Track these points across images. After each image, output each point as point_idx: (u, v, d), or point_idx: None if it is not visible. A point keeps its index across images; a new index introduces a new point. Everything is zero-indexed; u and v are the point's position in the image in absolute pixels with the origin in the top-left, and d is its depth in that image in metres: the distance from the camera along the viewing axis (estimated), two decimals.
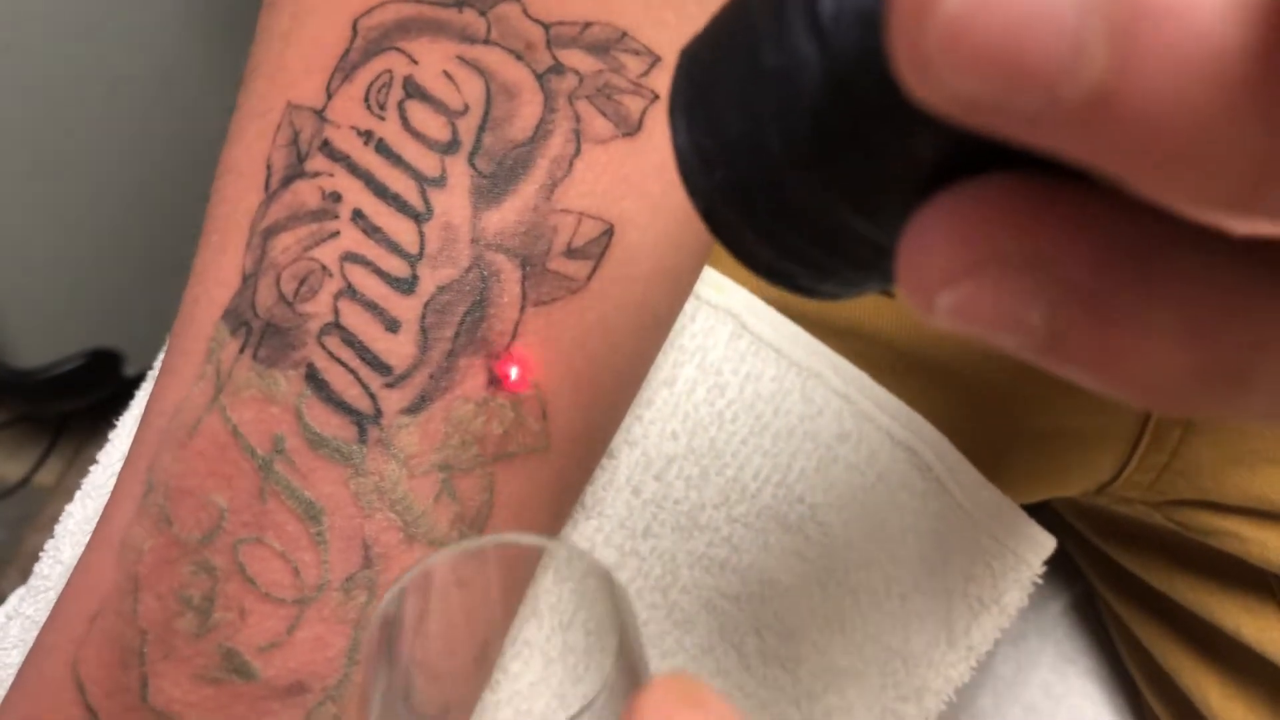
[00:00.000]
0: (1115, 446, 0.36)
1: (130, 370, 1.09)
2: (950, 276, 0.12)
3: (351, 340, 0.25)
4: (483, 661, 0.28)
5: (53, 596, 0.33)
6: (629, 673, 0.18)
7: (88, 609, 0.25)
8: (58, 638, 0.25)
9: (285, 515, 0.24)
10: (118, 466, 0.34)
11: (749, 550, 0.33)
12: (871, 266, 0.15)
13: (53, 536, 0.33)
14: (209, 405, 0.25)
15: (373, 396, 0.25)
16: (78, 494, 0.33)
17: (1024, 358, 0.13)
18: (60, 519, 0.33)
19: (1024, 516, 0.35)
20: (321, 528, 0.24)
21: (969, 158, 0.13)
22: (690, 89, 0.15)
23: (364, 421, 0.25)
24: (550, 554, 0.29)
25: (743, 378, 0.33)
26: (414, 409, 0.25)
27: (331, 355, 0.25)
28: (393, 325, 0.25)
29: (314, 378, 0.25)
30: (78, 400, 1.10)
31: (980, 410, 0.36)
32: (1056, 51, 0.09)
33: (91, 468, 0.34)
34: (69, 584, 0.26)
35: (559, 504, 0.28)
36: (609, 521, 0.32)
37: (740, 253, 0.16)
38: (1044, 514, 0.37)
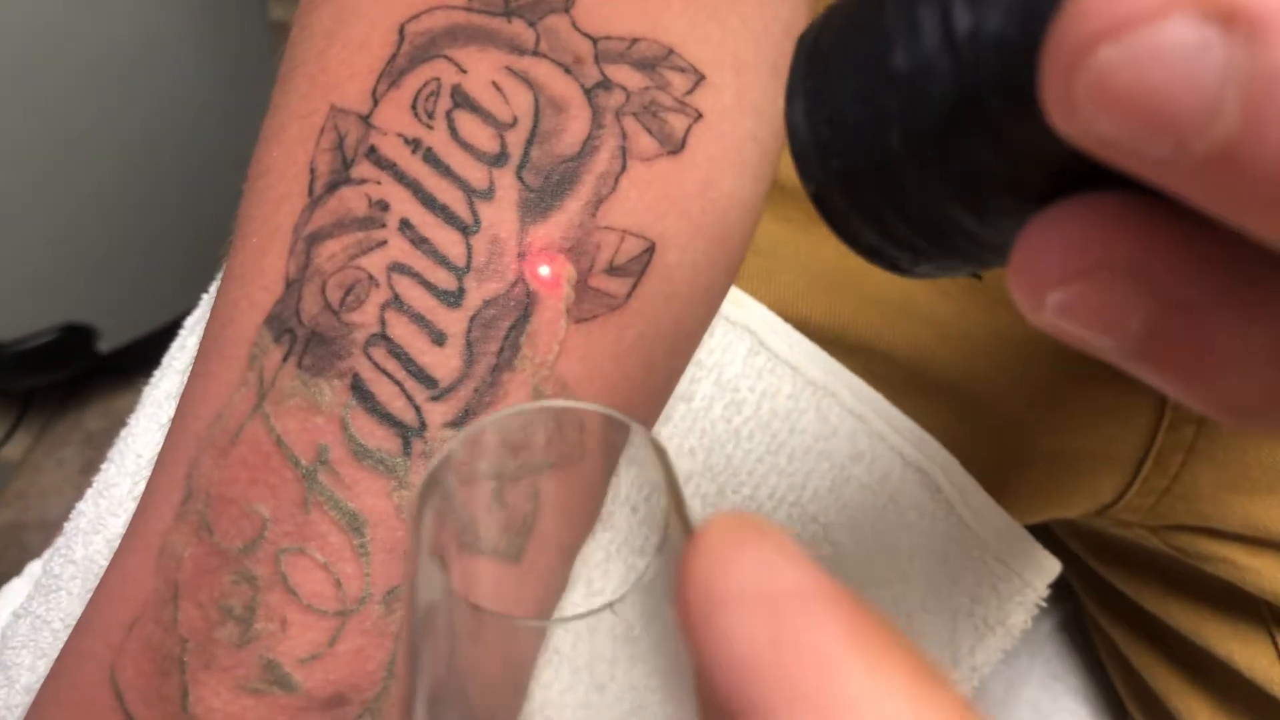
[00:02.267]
0: (1118, 470, 0.37)
1: (103, 346, 1.08)
2: (1063, 277, 0.13)
3: (398, 352, 0.25)
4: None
5: (64, 596, 0.32)
6: (684, 527, 0.18)
7: (125, 615, 0.24)
8: (94, 644, 0.25)
9: (328, 526, 0.24)
10: (132, 467, 0.33)
11: None
12: (969, 257, 0.16)
13: (62, 534, 0.32)
14: (251, 413, 0.25)
15: (417, 409, 0.25)
16: (89, 492, 0.33)
17: (1115, 362, 0.14)
18: (71, 517, 0.32)
19: (1030, 540, 0.35)
20: (364, 539, 0.24)
21: (1083, 176, 0.13)
22: (812, 77, 0.16)
23: (408, 434, 0.24)
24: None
25: (759, 395, 0.34)
26: (458, 423, 0.25)
27: (377, 366, 0.25)
28: (439, 338, 0.25)
29: (359, 388, 0.24)
30: (49, 375, 1.08)
31: (989, 431, 0.36)
32: (1195, 110, 0.11)
33: (104, 465, 0.33)
34: (103, 588, 0.25)
35: (592, 509, 0.28)
36: (621, 534, 0.32)
37: (844, 234, 0.17)
38: (1038, 534, 0.38)
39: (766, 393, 0.34)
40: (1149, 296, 0.13)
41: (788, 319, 0.35)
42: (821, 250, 0.37)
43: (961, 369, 0.36)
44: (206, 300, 0.39)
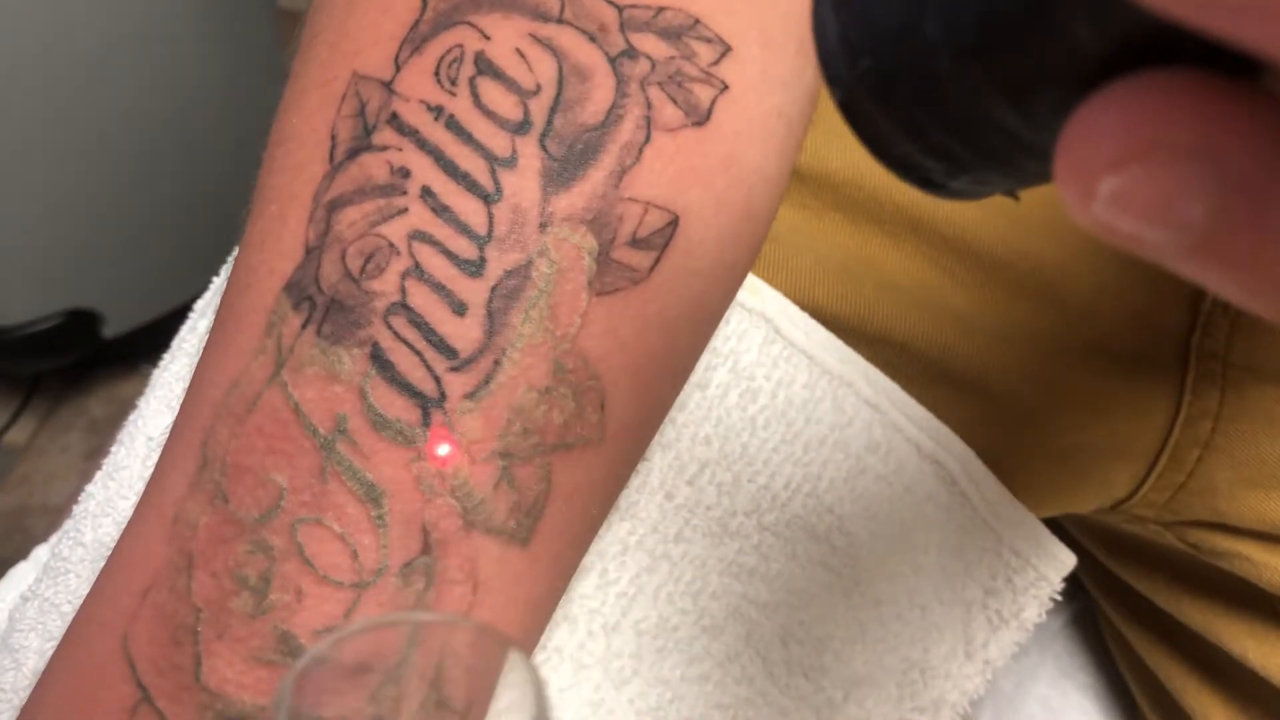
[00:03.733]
0: (1133, 464, 0.37)
1: (108, 331, 1.08)
2: (1117, 161, 0.12)
3: (418, 321, 0.24)
4: None
5: (72, 579, 0.32)
6: None
7: (138, 583, 0.24)
8: (106, 612, 0.24)
9: (346, 496, 0.24)
10: (142, 449, 0.33)
11: (777, 559, 0.33)
12: (1009, 163, 0.15)
13: (70, 517, 0.32)
14: (269, 380, 0.24)
15: (437, 379, 0.24)
16: (98, 475, 0.32)
17: (1169, 261, 0.13)
18: (80, 499, 0.32)
19: (1046, 532, 0.35)
20: (382, 510, 0.24)
21: (1136, 53, 0.12)
22: None
23: (428, 404, 0.24)
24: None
25: (775, 384, 0.33)
26: (478, 394, 0.24)
27: (397, 335, 0.24)
28: (460, 308, 0.25)
29: (379, 358, 0.24)
30: (53, 359, 1.08)
31: (1005, 423, 0.36)
32: None
33: (114, 448, 0.33)
34: (116, 556, 0.25)
35: (608, 497, 0.28)
36: (642, 525, 0.32)
37: (874, 145, 0.16)
38: (1049, 528, 0.38)
39: (782, 381, 0.33)
40: (1214, 179, 0.12)
41: (803, 307, 0.34)
42: (837, 238, 0.37)
43: (978, 360, 0.36)
44: (217, 284, 0.39)
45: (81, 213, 1.02)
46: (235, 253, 0.40)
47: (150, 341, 1.13)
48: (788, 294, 0.35)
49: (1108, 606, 0.45)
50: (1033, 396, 0.36)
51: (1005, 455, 0.36)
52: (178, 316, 1.18)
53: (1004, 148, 0.14)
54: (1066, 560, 0.35)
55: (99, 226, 1.03)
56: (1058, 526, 0.45)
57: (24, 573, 0.38)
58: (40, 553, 0.38)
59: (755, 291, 0.34)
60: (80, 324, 1.06)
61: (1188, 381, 0.36)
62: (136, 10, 0.95)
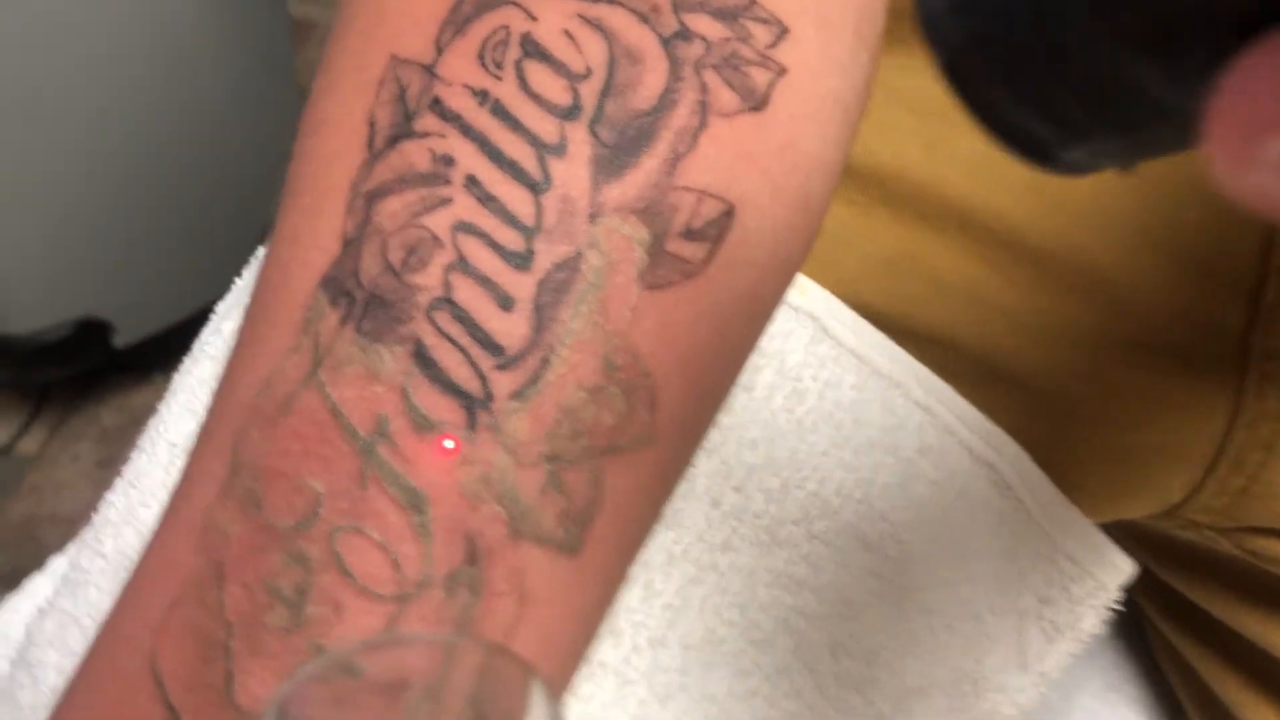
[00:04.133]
0: (1189, 468, 0.35)
1: (119, 341, 1.07)
2: None
3: (463, 317, 0.23)
4: None
5: (92, 591, 0.30)
6: None
7: (165, 596, 0.23)
8: (132, 626, 0.23)
9: (386, 503, 0.22)
10: (165, 456, 0.31)
11: (827, 569, 0.31)
12: (1138, 128, 0.13)
13: (90, 526, 0.31)
14: (305, 380, 0.23)
15: (483, 378, 0.23)
16: (118, 482, 0.31)
17: None
18: (99, 508, 0.31)
19: (1104, 538, 0.34)
20: (425, 518, 0.23)
21: None
22: None
23: (473, 405, 0.23)
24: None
25: (823, 385, 0.32)
26: (525, 393, 0.23)
27: (441, 332, 0.23)
28: (506, 303, 0.23)
29: (422, 355, 0.23)
30: (64, 369, 1.08)
31: (1058, 424, 0.35)
32: None
33: (134, 455, 0.31)
34: (141, 567, 0.24)
35: (658, 503, 0.26)
36: (687, 534, 0.30)
37: (982, 111, 0.14)
38: None
39: (830, 383, 0.32)
40: None
41: (851, 305, 0.33)
42: (884, 234, 0.35)
43: (1028, 359, 0.34)
44: (241, 284, 0.38)
45: (91, 222, 1.01)
46: (259, 253, 0.39)
47: (161, 350, 1.13)
48: (834, 292, 0.33)
49: (1158, 616, 0.44)
50: (1084, 396, 0.35)
51: (1057, 457, 0.34)
52: (189, 325, 1.18)
53: (1136, 111, 0.13)
54: (1125, 567, 0.34)
55: (109, 236, 1.03)
56: (1106, 533, 0.44)
57: (40, 585, 0.37)
58: (57, 564, 0.37)
59: (801, 289, 0.33)
60: (91, 333, 1.06)
61: (1247, 382, 0.35)
62: (147, 20, 0.94)
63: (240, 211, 1.09)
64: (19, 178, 0.95)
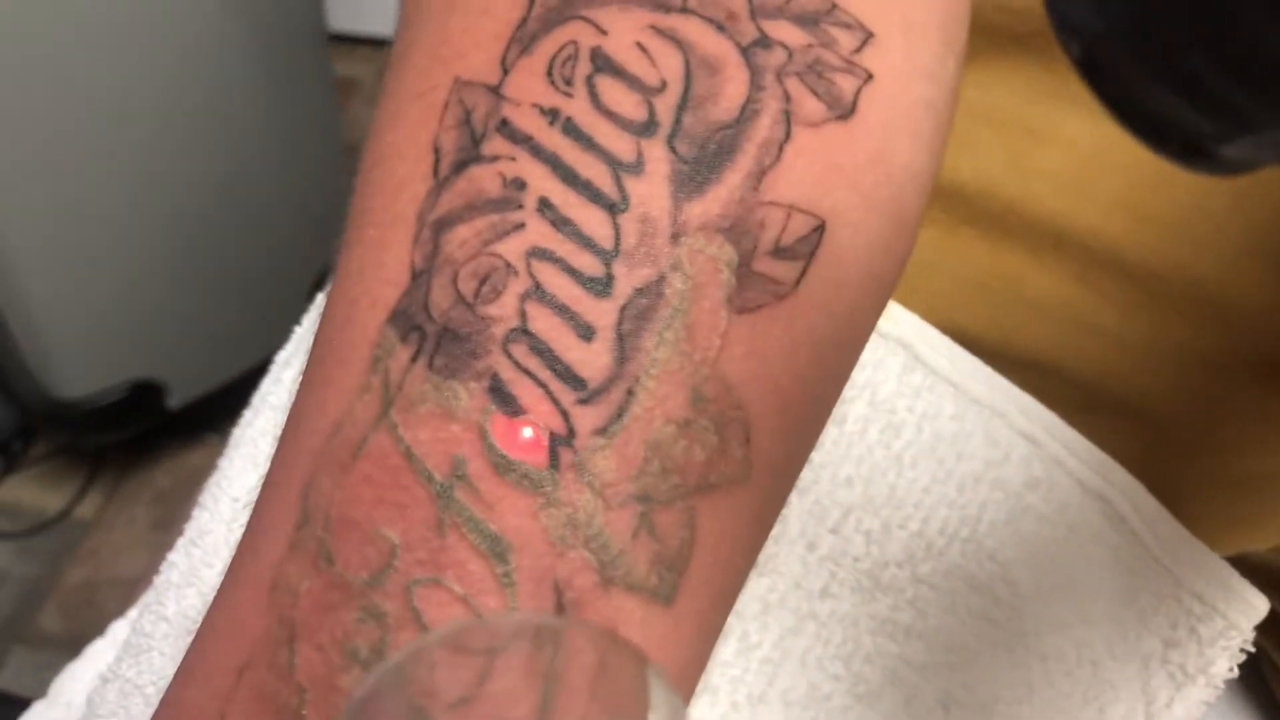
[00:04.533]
0: None
1: (173, 402, 1.08)
2: None
3: (541, 348, 0.21)
4: None
5: (155, 657, 0.29)
6: None
7: (234, 659, 0.21)
8: (198, 694, 0.21)
9: (467, 552, 0.21)
10: (227, 512, 0.30)
11: (935, 614, 0.29)
12: None
13: (151, 588, 0.29)
14: (376, 422, 0.21)
15: (565, 414, 0.21)
16: (180, 542, 0.29)
17: None
18: (161, 569, 0.29)
19: (1232, 573, 0.31)
20: (509, 567, 0.21)
21: None
22: None
23: (556, 443, 0.21)
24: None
25: (919, 416, 0.30)
26: (610, 429, 0.21)
27: (518, 365, 0.21)
28: (586, 332, 0.21)
29: (499, 391, 0.21)
30: (119, 432, 1.09)
31: (1173, 453, 0.32)
32: None
33: (195, 512, 0.30)
34: (207, 629, 0.22)
35: (754, 545, 0.24)
36: (783, 580, 0.28)
37: (1124, 105, 0.13)
38: None
39: (927, 414, 0.30)
40: None
41: (943, 330, 0.31)
42: (972, 255, 0.33)
43: (1137, 383, 0.32)
44: (300, 332, 0.36)
45: (143, 286, 1.02)
46: (318, 301, 0.37)
47: (214, 411, 1.13)
48: (925, 316, 0.31)
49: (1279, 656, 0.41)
50: (1200, 421, 0.33)
51: (1175, 487, 0.32)
52: (240, 385, 1.18)
53: None
54: (1259, 605, 0.31)
55: (160, 298, 1.03)
56: None
57: (101, 650, 0.36)
58: (118, 629, 0.36)
59: (889, 315, 0.31)
60: (145, 396, 1.06)
61: None
62: (196, 81, 0.95)
63: (289, 269, 1.10)
64: (70, 245, 0.96)
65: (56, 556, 1.10)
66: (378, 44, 1.50)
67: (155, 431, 1.12)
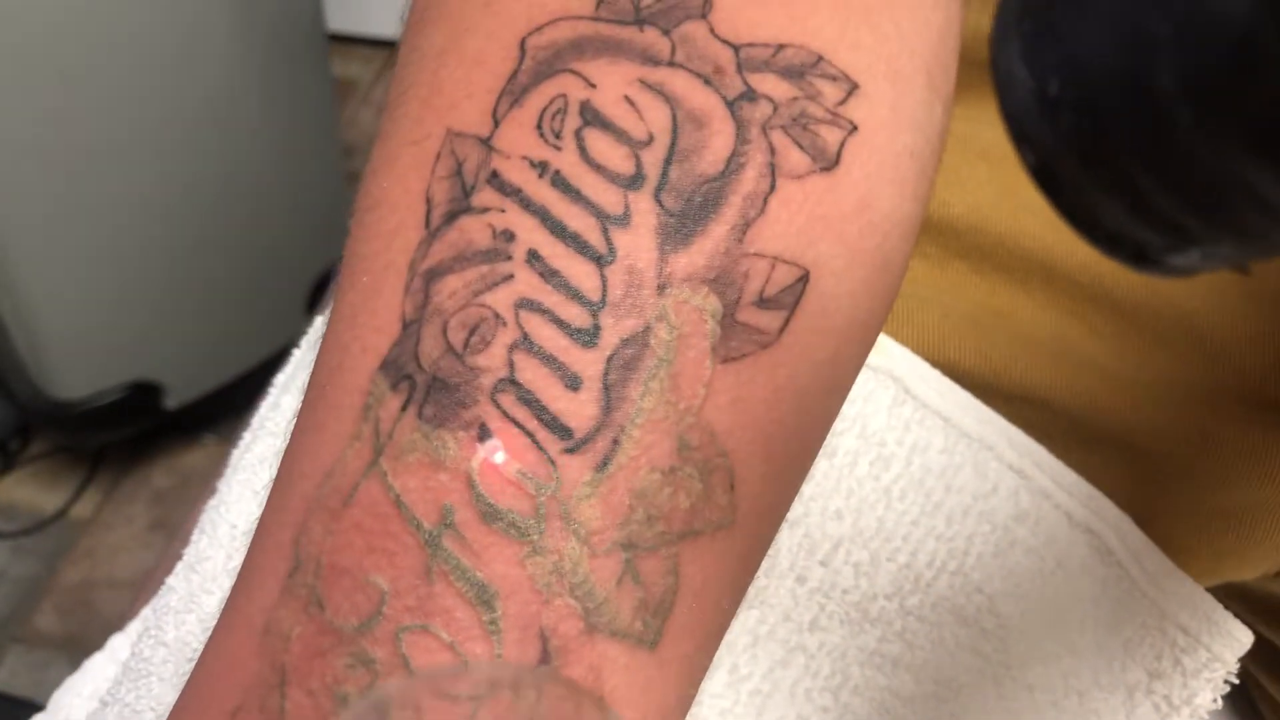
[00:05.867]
0: None
1: (170, 403, 1.08)
2: None
3: (529, 399, 0.22)
4: None
5: (154, 682, 0.29)
6: None
7: (227, 702, 0.21)
8: None
9: (454, 599, 0.21)
10: (226, 538, 0.30)
11: (923, 646, 0.29)
12: (1254, 237, 0.12)
13: (151, 611, 0.30)
14: (367, 470, 0.22)
15: (552, 463, 0.22)
16: (179, 566, 0.30)
17: None
18: (160, 593, 0.29)
19: (1217, 606, 0.32)
20: (495, 615, 0.21)
21: None
22: (1034, 12, 0.12)
23: (542, 491, 0.21)
24: None
25: (909, 449, 0.30)
26: (595, 478, 0.22)
27: (506, 415, 0.21)
28: (573, 382, 0.22)
29: (487, 440, 0.21)
30: (117, 432, 1.09)
31: (1159, 484, 0.32)
32: None
33: (195, 536, 0.30)
34: (201, 671, 0.22)
35: (740, 588, 0.25)
36: (772, 612, 0.29)
37: (1077, 216, 0.13)
38: None
39: (917, 447, 0.30)
40: None
41: (933, 363, 0.31)
42: (963, 288, 0.34)
43: (1125, 416, 0.32)
44: (297, 356, 0.36)
45: (141, 286, 1.02)
46: (316, 324, 0.37)
47: (212, 411, 1.13)
48: (915, 350, 0.31)
49: (1269, 683, 0.41)
50: (1187, 454, 0.33)
51: (1161, 519, 0.32)
52: (238, 386, 1.17)
53: (1254, 218, 0.12)
54: (1243, 638, 0.31)
55: (158, 299, 1.04)
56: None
57: (100, 665, 0.36)
58: (116, 643, 0.36)
59: (880, 349, 0.31)
60: (143, 396, 1.06)
61: None
62: (192, 79, 0.95)
63: (286, 269, 1.10)
64: (67, 245, 0.96)
65: (53, 556, 1.10)
66: (376, 44, 1.50)
67: (153, 432, 1.12)
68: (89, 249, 0.97)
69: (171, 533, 1.10)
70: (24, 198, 0.92)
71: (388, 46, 1.50)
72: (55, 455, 1.18)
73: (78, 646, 0.98)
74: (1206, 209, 0.12)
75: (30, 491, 1.16)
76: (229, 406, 1.13)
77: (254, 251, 1.07)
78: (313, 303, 1.10)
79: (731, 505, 0.23)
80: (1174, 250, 0.13)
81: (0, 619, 1.05)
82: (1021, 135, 0.13)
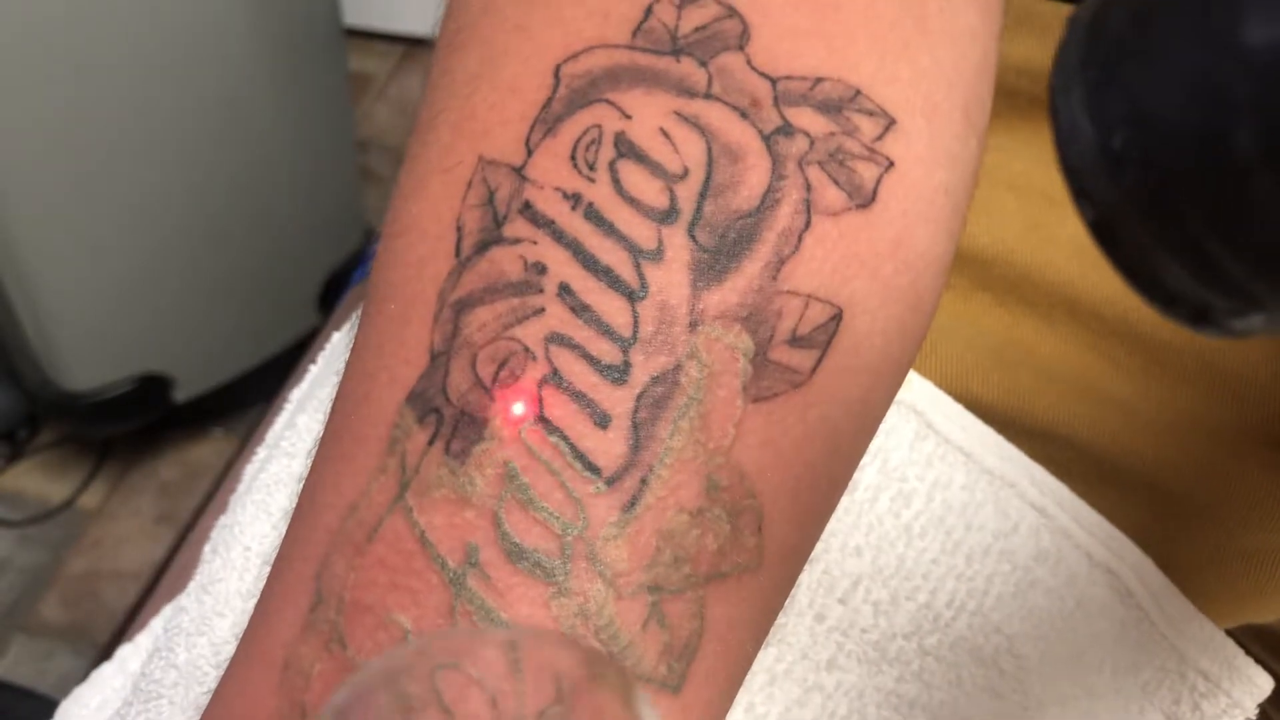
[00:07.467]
0: None
1: (179, 396, 1.08)
2: None
3: (557, 435, 0.21)
4: None
5: (165, 705, 0.29)
6: None
7: None
8: None
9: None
10: (239, 560, 0.30)
11: (941, 687, 0.29)
12: None
13: (164, 632, 0.29)
14: (391, 505, 0.21)
15: (578, 502, 0.21)
16: (191, 586, 0.29)
17: None
18: (173, 616, 0.29)
19: (1237, 651, 0.31)
20: (518, 655, 0.21)
21: None
22: (1098, 62, 0.12)
23: (568, 531, 0.21)
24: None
25: (930, 485, 0.30)
26: (623, 518, 0.21)
27: (534, 452, 0.21)
28: (603, 420, 0.22)
29: (514, 478, 0.21)
30: (125, 424, 1.09)
31: (1180, 524, 0.32)
32: None
33: (207, 555, 0.30)
34: (218, 706, 0.22)
35: (763, 631, 0.24)
36: (790, 651, 0.28)
37: (1138, 274, 0.13)
38: None
39: (938, 483, 0.30)
40: None
41: (956, 398, 0.31)
42: (986, 320, 0.33)
43: (1148, 455, 0.32)
44: (314, 372, 0.36)
45: (152, 279, 1.02)
46: (333, 339, 0.37)
47: (220, 405, 1.13)
48: (938, 383, 0.31)
49: None
50: (1208, 495, 0.33)
51: (1182, 560, 0.32)
52: (247, 380, 1.17)
53: None
54: (1263, 684, 0.31)
55: (170, 292, 1.04)
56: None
57: (108, 676, 0.36)
58: (125, 653, 0.36)
59: (904, 381, 0.31)
60: (151, 389, 1.06)
61: None
62: (208, 74, 0.95)
63: (298, 264, 1.10)
64: (80, 238, 0.96)
65: (59, 546, 1.10)
66: (392, 39, 1.50)
67: (161, 424, 1.12)
68: (102, 241, 0.97)
69: (177, 526, 1.10)
70: (38, 190, 0.92)
71: (404, 41, 1.49)
72: (63, 445, 1.18)
73: (81, 637, 0.98)
74: (1277, 274, 0.12)
75: (37, 481, 1.16)
76: (238, 401, 1.13)
77: (267, 246, 1.07)
78: (324, 299, 1.10)
79: (759, 548, 0.23)
80: (1238, 315, 0.12)
81: (5, 608, 1.05)
82: (1081, 190, 0.13)
